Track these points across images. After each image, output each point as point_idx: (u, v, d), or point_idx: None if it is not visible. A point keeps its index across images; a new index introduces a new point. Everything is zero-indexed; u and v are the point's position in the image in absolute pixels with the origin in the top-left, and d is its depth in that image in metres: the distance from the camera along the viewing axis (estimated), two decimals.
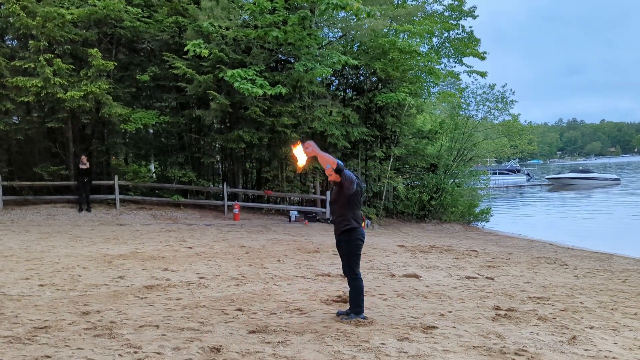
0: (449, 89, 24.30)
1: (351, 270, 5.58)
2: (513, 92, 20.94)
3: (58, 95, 14.50)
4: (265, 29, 14.94)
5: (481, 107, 21.11)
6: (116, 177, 16.95)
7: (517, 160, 73.23)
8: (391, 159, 19.27)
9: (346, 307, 6.18)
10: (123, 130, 16.19)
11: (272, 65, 17.40)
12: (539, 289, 7.88)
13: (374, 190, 20.02)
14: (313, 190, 19.20)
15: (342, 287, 7.14)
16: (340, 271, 8.41)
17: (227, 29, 15.23)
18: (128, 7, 15.60)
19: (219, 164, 20.08)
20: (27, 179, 16.92)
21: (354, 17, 17.03)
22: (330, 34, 20.41)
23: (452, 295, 7.19)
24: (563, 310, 6.46)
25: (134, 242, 11.60)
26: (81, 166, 16.12)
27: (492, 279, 8.68)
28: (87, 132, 17.54)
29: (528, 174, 67.96)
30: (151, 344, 4.62)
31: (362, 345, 4.76)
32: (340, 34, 19.90)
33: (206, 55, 14.77)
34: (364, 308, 5.91)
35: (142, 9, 16.49)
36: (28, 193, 16.93)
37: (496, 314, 6.09)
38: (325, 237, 14.22)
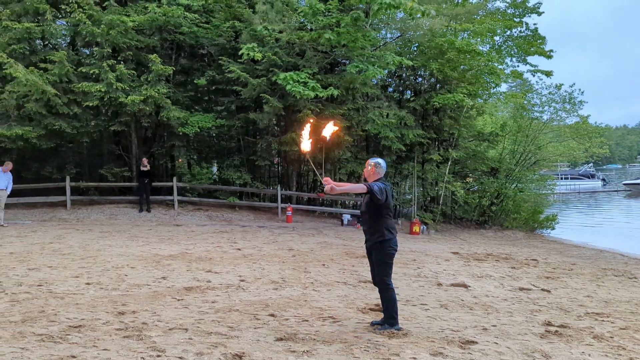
0: (515, 90, 23.29)
1: (381, 280, 5.34)
2: (582, 92, 19.75)
3: (120, 100, 15.07)
4: (319, 31, 14.87)
5: (546, 108, 20.07)
6: (175, 179, 17.43)
7: (592, 164, 69.47)
8: (449, 163, 18.66)
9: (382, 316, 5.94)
10: (180, 133, 16.58)
11: (325, 67, 17.30)
12: (600, 304, 7.27)
13: (431, 194, 19.47)
14: None
15: None
16: None
17: (281, 32, 15.29)
18: (186, 13, 15.99)
19: (275, 166, 20.21)
20: (93, 180, 17.72)
21: (411, 17, 16.67)
22: (388, 35, 20.10)
23: (500, 307, 6.76)
24: (623, 329, 5.90)
25: (186, 243, 11.79)
26: (142, 168, 16.68)
27: (549, 291, 8.12)
28: (148, 135, 18.14)
29: (604, 179, 64.30)
30: (176, 347, 4.59)
31: (391, 358, 4.52)
32: (398, 34, 19.54)
33: (260, 59, 14.88)
34: (401, 318, 5.67)
35: (200, 14, 16.88)
36: (94, 193, 17.71)
37: (546, 331, 5.64)
38: None
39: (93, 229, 13.80)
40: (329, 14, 15.07)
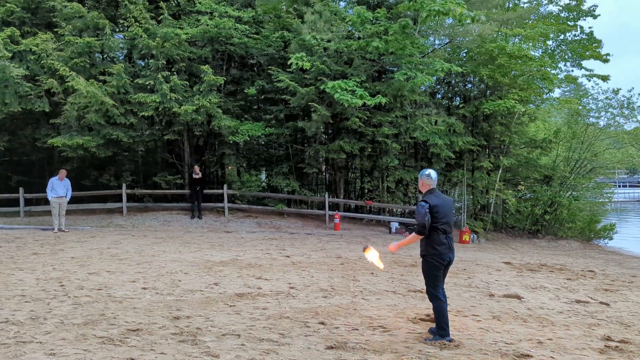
0: (569, 95, 22.54)
1: (428, 290, 5.39)
2: None
3: (174, 110, 15.58)
4: (367, 39, 14.91)
5: (603, 113, 19.32)
6: (225, 186, 17.81)
7: None
8: (500, 170, 18.26)
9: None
10: (231, 142, 16.95)
11: (373, 75, 17.31)
12: None
13: (481, 202, 19.10)
14: (415, 201, 18.74)
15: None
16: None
17: (329, 41, 15.43)
18: (237, 24, 16.38)
19: (322, 174, 20.33)
20: (147, 188, 18.34)
21: (460, 23, 16.49)
22: (437, 41, 19.93)
23: (556, 320, 6.56)
24: None
25: (236, 250, 12.02)
26: (194, 176, 17.13)
27: (608, 304, 7.81)
28: (200, 143, 18.64)
29: None
30: (229, 353, 4.70)
31: None
32: (446, 41, 19.34)
33: (308, 68, 15.05)
34: (452, 328, 5.63)
35: (250, 25, 17.25)
36: (148, 200, 18.31)
37: (605, 346, 5.44)
38: None
39: (148, 235, 14.26)
40: (377, 22, 15.10)
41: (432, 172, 5.52)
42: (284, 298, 7.13)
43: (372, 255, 5.96)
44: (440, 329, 5.36)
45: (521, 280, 9.79)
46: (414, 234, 5.33)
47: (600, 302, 7.90)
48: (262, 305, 6.67)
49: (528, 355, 4.97)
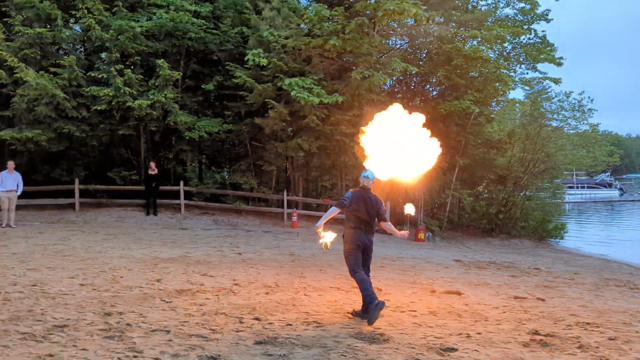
0: (534, 97, 22.92)
1: (349, 269, 6.22)
2: (591, 100, 19.54)
3: (128, 104, 15.29)
4: (325, 37, 14.94)
5: (555, 116, 19.86)
6: (182, 183, 17.58)
7: (609, 173, 68.53)
8: (456, 170, 18.56)
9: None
10: (187, 138, 16.74)
11: (332, 73, 17.34)
12: (593, 314, 7.17)
13: (438, 201, 19.39)
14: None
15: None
16: (379, 284, 8.21)
17: (287, 38, 15.39)
18: (193, 19, 16.18)
19: (282, 171, 20.26)
20: (102, 183, 17.92)
21: (422, 24, 16.69)
22: (398, 42, 20.12)
23: (490, 315, 6.71)
24: (612, 339, 5.81)
25: (188, 247, 11.88)
26: (150, 172, 16.84)
27: (544, 300, 8.03)
28: (157, 139, 18.34)
29: (621, 189, 63.22)
30: (154, 349, 4.63)
31: None
32: (406, 41, 19.55)
33: (266, 65, 14.99)
34: (387, 323, 5.84)
35: (208, 20, 17.06)
36: (102, 196, 17.91)
37: (531, 339, 5.58)
38: (381, 247, 13.89)
39: (99, 231, 13.96)
40: (335, 20, 15.14)
41: (370, 173, 6.41)
42: (224, 294, 7.08)
43: (328, 236, 6.57)
44: (365, 295, 5.87)
45: (467, 277, 9.99)
46: (332, 207, 6.40)
47: (537, 298, 8.12)
48: (200, 301, 6.60)
49: (453, 349, 5.06)
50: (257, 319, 5.88)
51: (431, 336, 5.53)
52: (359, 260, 6.14)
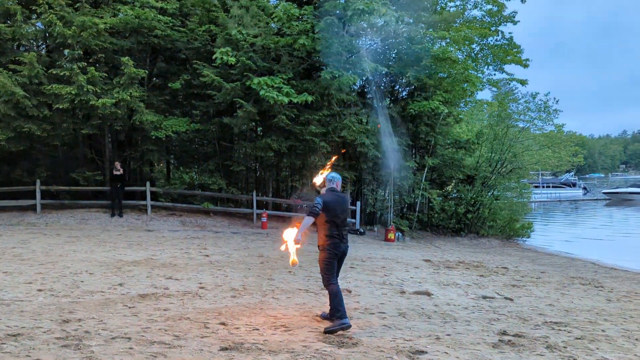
0: (501, 97, 23.23)
1: (323, 278, 5.88)
2: (557, 101, 19.91)
3: (91, 103, 14.83)
4: (294, 36, 14.79)
5: (522, 116, 20.18)
6: (148, 184, 17.17)
7: (573, 173, 70.17)
8: (425, 170, 18.66)
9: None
10: (154, 137, 16.35)
11: (302, 73, 17.21)
12: (560, 313, 7.24)
13: (407, 201, 19.45)
14: None
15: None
16: (349, 285, 8.12)
17: (256, 36, 15.18)
18: (159, 16, 15.81)
19: (251, 172, 20.03)
20: (65, 184, 17.36)
21: (391, 24, 16.71)
22: (368, 42, 20.10)
23: (458, 316, 6.69)
24: (579, 339, 5.86)
25: (154, 249, 11.58)
26: (115, 172, 16.40)
27: (512, 299, 8.09)
28: (122, 139, 17.88)
29: (585, 188, 64.81)
30: (112, 357, 4.44)
31: None
32: (377, 41, 19.54)
33: (234, 63, 14.76)
34: (355, 326, 5.73)
35: (175, 18, 16.71)
36: (65, 197, 17.35)
37: (499, 340, 5.58)
38: (351, 248, 13.78)
39: (61, 234, 13.51)
40: (304, 19, 15.01)
41: (334, 175, 6.11)
42: (189, 298, 6.88)
43: (290, 245, 6.20)
44: (335, 310, 5.60)
45: (436, 277, 9.99)
46: (305, 216, 5.76)
47: (505, 298, 8.17)
48: (164, 306, 6.40)
49: (423, 352, 5.01)
50: (223, 323, 5.72)
51: (400, 339, 5.47)
52: (334, 269, 5.82)
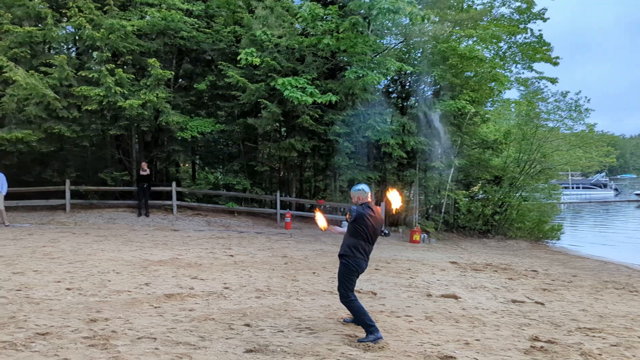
0: (529, 97, 22.74)
1: (341, 294, 5.50)
2: (588, 100, 19.40)
3: (119, 104, 15.03)
4: (318, 36, 14.74)
5: (552, 116, 19.71)
6: (174, 184, 17.34)
7: (604, 174, 68.60)
8: (452, 170, 18.40)
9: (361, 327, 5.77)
10: (179, 138, 16.50)
11: (326, 73, 17.15)
12: (594, 319, 7.02)
13: (433, 202, 19.21)
14: None
15: (368, 305, 6.66)
16: (374, 287, 8.01)
17: (280, 37, 15.18)
18: (185, 17, 15.95)
19: (275, 172, 20.07)
20: (94, 184, 17.67)
21: (417, 23, 16.52)
22: (393, 41, 19.95)
23: (488, 320, 6.54)
24: (614, 345, 5.66)
25: (180, 248, 11.66)
26: (141, 172, 16.60)
27: (543, 304, 7.87)
28: (148, 139, 18.09)
29: (616, 189, 63.29)
30: (139, 358, 4.44)
31: None
32: (401, 40, 19.36)
33: (258, 64, 14.78)
34: (382, 330, 5.53)
35: (201, 19, 16.84)
36: (94, 197, 17.65)
37: (531, 346, 5.42)
38: (375, 250, 13.67)
39: (89, 233, 13.72)
40: (329, 19, 14.95)
41: (365, 186, 5.73)
42: (214, 299, 6.88)
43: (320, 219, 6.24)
44: (366, 326, 5.29)
45: (463, 280, 9.81)
46: (341, 229, 5.88)
47: (536, 302, 7.96)
48: (189, 306, 6.40)
49: (451, 357, 4.89)
50: (247, 325, 5.68)
51: (428, 343, 5.36)
52: (354, 285, 5.53)
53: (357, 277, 5.54)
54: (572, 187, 56.32)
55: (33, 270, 8.25)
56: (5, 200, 14.30)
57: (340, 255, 5.53)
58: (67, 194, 16.64)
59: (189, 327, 5.49)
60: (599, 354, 5.27)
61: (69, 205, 16.78)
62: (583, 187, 58.56)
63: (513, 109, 23.74)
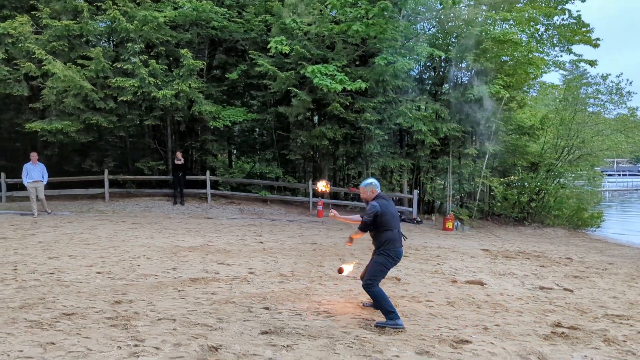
0: (571, 80, 21.98)
1: (367, 283, 5.41)
2: (630, 83, 18.59)
3: (153, 94, 15.37)
4: (348, 23, 14.64)
5: (591, 99, 18.99)
6: (208, 172, 17.65)
7: None
8: (486, 157, 18.03)
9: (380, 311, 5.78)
10: (212, 127, 16.75)
11: (356, 60, 17.03)
12: (624, 306, 6.80)
13: (467, 190, 18.89)
14: (399, 189, 18.53)
15: (391, 291, 6.64)
16: (398, 273, 7.98)
17: (310, 24, 15.15)
18: (216, 7, 16.11)
19: (307, 160, 20.13)
20: (131, 173, 18.19)
21: (449, 7, 16.22)
22: (427, 26, 19.63)
23: (511, 306, 6.43)
24: None
25: (211, 235, 11.88)
26: (176, 162, 16.95)
27: (571, 290, 7.67)
28: (182, 129, 18.44)
29: None
30: (156, 338, 4.57)
31: (372, 356, 4.35)
32: (434, 25, 19.02)
33: (288, 52, 14.81)
34: (401, 314, 5.49)
35: (232, 9, 16.98)
36: (131, 186, 18.17)
37: (552, 332, 5.30)
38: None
39: (126, 221, 14.13)
40: (359, 5, 14.81)
41: (374, 180, 5.77)
42: (237, 283, 7.00)
43: (347, 268, 6.32)
44: (386, 312, 5.25)
45: (492, 267, 9.65)
46: (360, 225, 5.55)
47: (565, 289, 7.76)
48: (212, 290, 6.54)
49: (467, 341, 4.84)
50: (266, 308, 5.77)
51: (445, 328, 5.32)
52: (384, 276, 5.58)
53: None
54: (618, 175, 54.35)
55: (68, 255, 8.58)
56: (47, 189, 14.88)
57: (378, 248, 5.50)
58: (106, 183, 17.17)
59: (209, 309, 5.62)
60: (624, 341, 5.12)
61: (107, 194, 17.31)
62: (630, 174, 56.44)
63: (555, 93, 23.05)
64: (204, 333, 4.75)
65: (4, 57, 15.25)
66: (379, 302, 5.25)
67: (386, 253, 5.40)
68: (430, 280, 7.90)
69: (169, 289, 6.50)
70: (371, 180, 5.75)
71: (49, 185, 14.96)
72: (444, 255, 10.92)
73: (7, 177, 16.69)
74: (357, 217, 6.00)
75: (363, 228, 5.52)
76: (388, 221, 5.44)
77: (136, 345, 4.35)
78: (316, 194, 17.91)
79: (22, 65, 15.20)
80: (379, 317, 5.57)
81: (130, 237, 11.10)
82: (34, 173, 14.02)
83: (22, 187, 15.70)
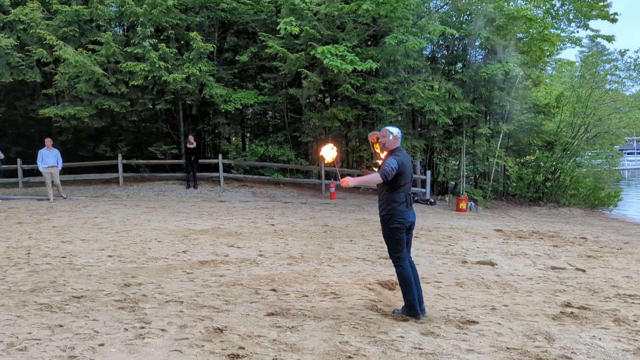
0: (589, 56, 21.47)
1: (391, 255, 5.03)
2: None
3: (163, 78, 15.38)
4: (358, 2, 14.43)
5: (608, 76, 18.55)
6: (220, 156, 17.70)
7: None
8: (500, 137, 17.78)
9: (387, 292, 5.77)
10: (223, 111, 16.74)
11: (367, 39, 16.81)
12: (637, 285, 6.70)
13: (481, 170, 18.69)
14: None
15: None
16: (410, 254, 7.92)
17: (319, 4, 14.96)
18: None
19: (319, 142, 20.06)
20: (144, 158, 18.32)
21: None
22: (440, 3, 19.30)
23: (521, 287, 6.36)
24: None
25: (223, 218, 11.93)
26: (189, 145, 17.02)
27: (584, 270, 7.57)
28: (194, 112, 18.47)
29: None
30: (163, 320, 4.61)
31: (377, 337, 4.33)
32: (447, 3, 18.69)
33: (298, 33, 14.67)
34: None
35: None
36: (144, 170, 18.31)
37: (561, 312, 5.24)
38: (419, 218, 13.46)
39: (140, 205, 14.25)
40: None
41: (395, 129, 5.10)
42: (246, 265, 7.03)
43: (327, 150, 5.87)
44: (405, 295, 4.88)
45: (504, 247, 9.56)
46: (376, 175, 4.79)
47: (577, 269, 7.66)
48: (220, 272, 6.57)
49: (474, 322, 4.80)
50: (274, 290, 5.78)
51: (452, 308, 5.28)
52: (404, 243, 4.96)
53: (408, 234, 5.03)
54: (638, 153, 53.30)
55: (81, 239, 8.69)
56: (62, 174, 15.07)
57: (383, 216, 4.97)
58: (120, 168, 17.33)
59: (217, 291, 5.65)
60: (635, 320, 5.04)
61: (121, 179, 17.48)
62: None
63: (570, 71, 22.58)
64: (210, 315, 4.78)
65: (16, 43, 15.35)
66: (402, 285, 4.93)
67: (390, 219, 4.89)
68: (440, 261, 7.86)
69: (178, 271, 6.55)
70: (393, 128, 5.08)
71: (64, 171, 15.15)
72: (455, 236, 10.85)
73: (22, 163, 16.92)
74: (374, 174, 4.90)
75: (384, 176, 4.71)
76: (401, 183, 4.89)
77: (142, 327, 4.39)
78: (329, 175, 17.87)
79: (34, 52, 15.29)
80: (386, 299, 5.57)
81: (143, 220, 11.20)
82: (49, 159, 14.19)
83: (38, 173, 15.93)
